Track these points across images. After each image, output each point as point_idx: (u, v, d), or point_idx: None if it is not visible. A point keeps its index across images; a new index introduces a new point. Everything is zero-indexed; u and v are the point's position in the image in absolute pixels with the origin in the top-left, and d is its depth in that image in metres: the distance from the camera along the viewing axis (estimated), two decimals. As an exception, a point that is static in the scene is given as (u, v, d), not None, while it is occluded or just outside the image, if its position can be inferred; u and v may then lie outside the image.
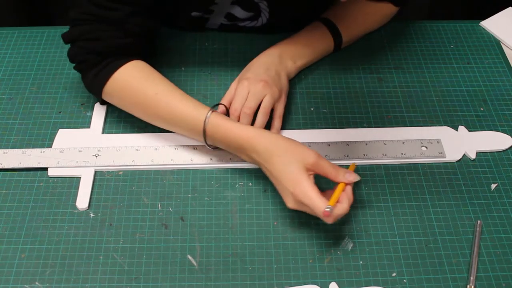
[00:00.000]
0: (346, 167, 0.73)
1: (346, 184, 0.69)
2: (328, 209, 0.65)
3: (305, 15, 0.93)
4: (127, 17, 0.77)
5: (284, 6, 0.89)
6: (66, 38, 0.80)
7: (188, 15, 0.89)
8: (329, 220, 0.66)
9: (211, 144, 0.76)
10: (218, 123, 0.73)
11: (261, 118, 0.78)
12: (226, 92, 0.82)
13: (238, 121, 0.77)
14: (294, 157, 0.69)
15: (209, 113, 0.73)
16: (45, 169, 0.77)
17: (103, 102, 0.84)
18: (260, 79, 0.80)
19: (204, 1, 0.87)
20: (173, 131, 0.79)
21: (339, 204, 0.68)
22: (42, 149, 0.79)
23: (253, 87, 0.79)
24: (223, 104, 0.80)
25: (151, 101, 0.76)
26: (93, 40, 0.78)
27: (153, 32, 0.84)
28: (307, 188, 0.67)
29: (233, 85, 0.83)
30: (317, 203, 0.66)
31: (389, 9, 0.94)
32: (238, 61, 0.92)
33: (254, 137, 0.72)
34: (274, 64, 0.84)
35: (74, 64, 0.81)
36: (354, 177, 0.70)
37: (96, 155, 0.79)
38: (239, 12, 0.90)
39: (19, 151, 0.79)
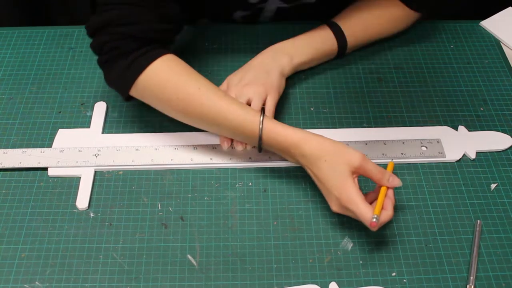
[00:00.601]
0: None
1: (388, 188, 0.70)
2: (375, 220, 0.65)
3: None
4: (161, 1, 0.74)
5: None
6: (93, 25, 0.74)
7: (245, 2, 0.88)
8: (374, 229, 0.66)
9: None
10: (269, 128, 0.72)
11: None
12: None
13: None
14: (340, 161, 0.68)
15: (261, 118, 0.72)
16: (45, 169, 0.77)
17: (128, 99, 0.79)
18: (243, 83, 0.80)
19: None
20: (212, 131, 0.77)
21: (384, 211, 0.67)
22: (42, 149, 0.79)
23: (238, 93, 0.80)
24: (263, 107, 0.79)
25: (194, 98, 0.72)
26: (128, 25, 0.72)
27: (181, 24, 0.82)
28: (353, 194, 0.67)
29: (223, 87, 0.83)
30: (364, 211, 0.66)
31: (402, 12, 0.90)
32: (238, 61, 0.92)
33: (300, 141, 0.71)
34: (264, 64, 0.83)
35: (93, 60, 0.76)
36: (398, 182, 0.70)
37: (96, 155, 0.78)
38: None
39: (19, 151, 0.79)
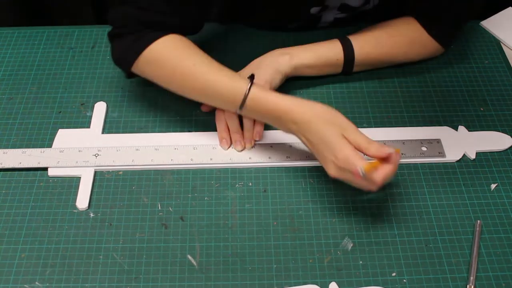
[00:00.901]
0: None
1: (384, 158, 0.67)
2: (359, 169, 0.64)
3: None
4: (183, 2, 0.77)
5: None
6: None
7: (306, 12, 0.88)
8: (358, 178, 0.66)
9: (244, 115, 0.77)
10: (259, 96, 0.73)
11: (244, 121, 0.79)
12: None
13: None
14: (332, 123, 0.69)
15: (249, 86, 0.73)
16: (45, 169, 0.77)
17: (130, 76, 0.82)
18: None
19: None
20: (207, 103, 0.80)
21: (380, 167, 0.66)
22: (42, 149, 0.79)
23: None
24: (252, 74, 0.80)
25: (189, 72, 0.76)
26: (141, 9, 0.76)
27: (198, 25, 0.84)
28: (349, 152, 0.67)
29: None
30: (359, 163, 0.65)
31: (421, 36, 0.87)
32: (238, 60, 0.91)
33: (291, 108, 0.71)
34: (261, 61, 0.84)
35: (107, 35, 0.80)
36: (388, 149, 0.67)
37: (96, 155, 0.78)
38: (353, 1, 0.87)
39: (19, 151, 0.79)
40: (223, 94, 0.75)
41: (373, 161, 0.67)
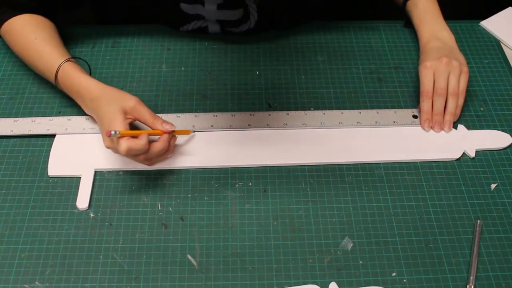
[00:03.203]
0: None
1: (165, 133, 0.75)
2: (113, 132, 0.70)
3: (295, 15, 0.93)
4: None
5: (272, 6, 0.90)
6: None
7: (177, 8, 0.90)
8: (108, 143, 0.73)
9: (61, 89, 0.83)
10: (68, 73, 0.80)
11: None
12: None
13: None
14: (116, 100, 0.75)
15: (63, 62, 0.81)
16: (53, 135, 0.80)
17: None
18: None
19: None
20: (40, 73, 0.86)
21: (137, 139, 0.72)
22: (51, 117, 0.83)
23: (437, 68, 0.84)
24: (85, 61, 0.87)
25: (29, 46, 0.84)
26: None
27: (55, 10, 0.90)
28: (118, 125, 0.72)
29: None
30: (120, 139, 0.71)
31: None
32: (238, 61, 0.92)
33: (90, 86, 0.78)
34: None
35: None
36: (170, 126, 0.75)
37: None
38: (226, 14, 0.90)
39: (29, 119, 0.83)
40: (47, 65, 0.82)
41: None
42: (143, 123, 0.75)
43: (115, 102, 0.75)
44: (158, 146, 0.74)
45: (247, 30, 0.94)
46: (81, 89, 0.79)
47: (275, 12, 0.93)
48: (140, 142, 0.72)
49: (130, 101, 0.75)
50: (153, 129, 0.75)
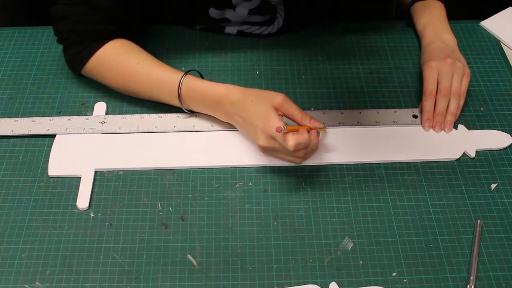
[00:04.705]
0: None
1: (311, 129, 0.74)
2: (282, 127, 0.69)
3: (318, 18, 0.93)
4: (114, 5, 0.81)
5: (299, 9, 0.90)
6: (54, 13, 0.83)
7: (205, 13, 0.90)
8: (266, 142, 0.73)
9: (188, 109, 0.81)
10: (195, 84, 0.78)
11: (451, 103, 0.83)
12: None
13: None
14: (263, 99, 0.74)
15: (183, 76, 0.79)
16: (53, 135, 0.80)
17: (80, 74, 0.88)
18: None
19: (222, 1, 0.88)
20: (153, 99, 0.84)
21: (300, 131, 0.73)
22: (51, 117, 0.83)
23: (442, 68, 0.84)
24: (197, 70, 0.84)
25: (133, 70, 0.81)
26: (81, 23, 0.82)
27: (137, 27, 0.88)
28: (276, 122, 0.71)
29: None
30: (287, 135, 0.71)
31: None
32: (238, 61, 0.92)
33: (228, 91, 0.77)
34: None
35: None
36: (318, 124, 0.74)
37: (103, 122, 0.81)
38: (256, 17, 0.91)
39: (29, 119, 0.82)
40: (165, 86, 0.80)
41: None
42: (290, 118, 0.75)
43: (263, 101, 0.74)
44: (315, 141, 0.74)
45: (268, 34, 0.94)
46: (217, 96, 0.77)
47: (300, 17, 0.93)
48: (305, 137, 0.72)
49: (278, 98, 0.74)
50: (300, 125, 0.74)
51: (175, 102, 0.81)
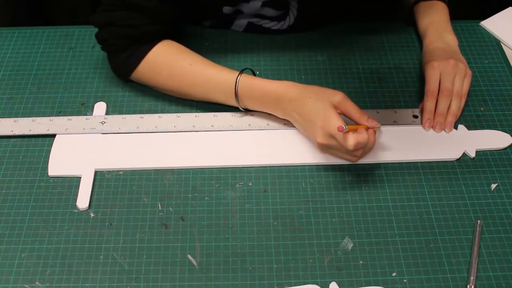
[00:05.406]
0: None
1: (368, 128, 0.74)
2: (344, 126, 0.69)
3: (331, 16, 0.93)
4: (159, 5, 0.80)
5: (313, 6, 0.90)
6: (97, 21, 0.82)
7: (219, 10, 0.90)
8: (324, 140, 0.73)
9: (244, 107, 0.81)
10: (251, 83, 0.78)
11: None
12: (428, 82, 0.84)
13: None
14: (323, 96, 0.75)
15: (239, 75, 0.78)
16: (53, 135, 0.80)
17: (128, 80, 0.87)
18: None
19: None
20: (208, 99, 0.83)
21: (359, 130, 0.72)
22: (51, 117, 0.82)
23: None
24: (250, 69, 0.83)
25: (187, 71, 0.81)
26: (127, 27, 0.80)
27: (177, 21, 0.87)
28: (336, 121, 0.71)
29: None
30: (347, 134, 0.70)
31: None
32: (238, 61, 0.92)
33: (287, 88, 0.77)
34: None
35: (97, 51, 0.86)
36: (376, 123, 0.74)
37: (103, 122, 0.81)
38: (268, 11, 0.90)
39: (29, 119, 0.81)
40: (221, 86, 0.80)
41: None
42: (348, 117, 0.75)
43: (322, 98, 0.74)
44: (372, 140, 0.74)
45: (277, 30, 0.94)
46: (276, 94, 0.77)
47: (313, 14, 0.93)
48: (364, 137, 0.71)
49: (338, 96, 0.74)
50: (358, 124, 0.74)
51: (232, 102, 0.80)
